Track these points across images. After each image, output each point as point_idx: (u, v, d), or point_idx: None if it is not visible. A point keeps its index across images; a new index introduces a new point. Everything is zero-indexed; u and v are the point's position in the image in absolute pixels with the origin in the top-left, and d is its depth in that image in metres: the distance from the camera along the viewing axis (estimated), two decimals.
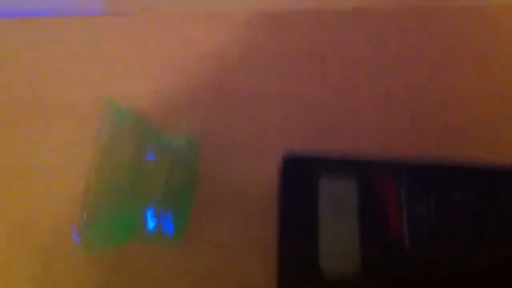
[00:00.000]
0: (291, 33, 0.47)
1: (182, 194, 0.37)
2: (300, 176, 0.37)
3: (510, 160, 0.39)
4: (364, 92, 0.44)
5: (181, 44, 0.47)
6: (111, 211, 0.36)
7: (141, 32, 0.47)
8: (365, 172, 0.37)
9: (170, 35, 0.47)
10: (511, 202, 0.36)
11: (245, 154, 0.42)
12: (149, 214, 0.36)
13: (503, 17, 0.46)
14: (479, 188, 0.36)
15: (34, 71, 0.46)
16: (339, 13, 0.47)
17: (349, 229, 0.35)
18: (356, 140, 0.42)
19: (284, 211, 0.37)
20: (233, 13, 0.47)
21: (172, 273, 0.38)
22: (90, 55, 0.46)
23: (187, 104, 0.44)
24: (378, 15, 0.47)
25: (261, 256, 0.38)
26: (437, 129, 0.42)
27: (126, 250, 0.39)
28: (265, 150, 0.42)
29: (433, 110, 0.43)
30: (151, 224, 0.36)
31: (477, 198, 0.36)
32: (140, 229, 0.36)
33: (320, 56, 0.46)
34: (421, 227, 0.35)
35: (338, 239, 0.35)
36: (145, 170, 0.37)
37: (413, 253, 0.34)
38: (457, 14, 0.46)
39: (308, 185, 0.37)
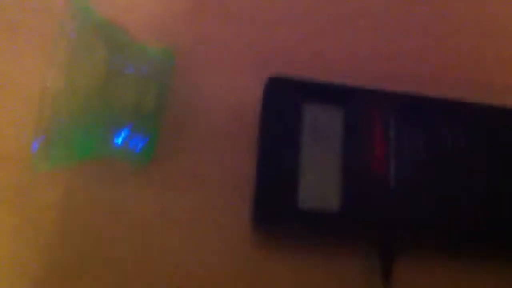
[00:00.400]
0: None
1: (153, 110, 0.34)
2: (284, 100, 0.34)
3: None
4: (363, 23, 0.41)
5: None
6: (74, 123, 0.33)
7: None
8: (352, 101, 0.35)
9: None
10: (499, 138, 0.35)
11: (229, 73, 0.38)
12: (116, 129, 0.33)
13: None
14: (468, 124, 0.35)
15: None
16: None
17: (331, 162, 0.34)
18: (348, 69, 0.39)
19: (264, 138, 0.35)
20: None
21: (138, 197, 0.35)
22: None
23: (164, 16, 0.40)
24: None
25: (241, 188, 0.35)
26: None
27: (88, 168, 0.35)
28: (251, 71, 0.38)
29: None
30: (118, 139, 0.33)
31: (465, 134, 0.35)
32: (106, 144, 0.33)
33: None
34: (407, 161, 0.34)
35: (319, 172, 0.33)
36: (114, 81, 0.34)
37: (397, 190, 0.33)
38: None
39: (291, 112, 0.34)
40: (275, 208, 0.32)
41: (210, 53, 0.39)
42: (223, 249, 0.34)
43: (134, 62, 0.35)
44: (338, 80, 0.35)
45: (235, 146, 0.37)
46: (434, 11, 0.42)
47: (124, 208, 0.35)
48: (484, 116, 0.35)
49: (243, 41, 0.40)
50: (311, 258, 0.34)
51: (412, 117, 0.35)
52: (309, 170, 0.33)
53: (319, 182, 0.33)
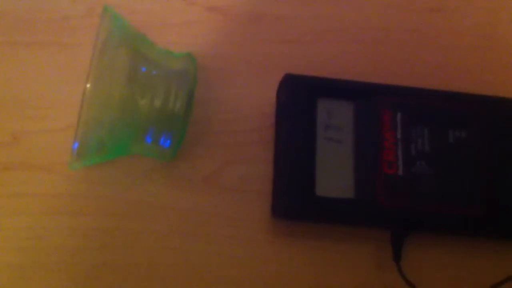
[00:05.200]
0: None
1: (178, 110, 0.37)
2: (298, 96, 0.37)
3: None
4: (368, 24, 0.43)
5: None
6: (106, 126, 0.36)
7: None
8: (364, 97, 0.37)
9: None
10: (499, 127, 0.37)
11: (246, 77, 0.41)
12: (144, 128, 0.36)
13: None
14: (470, 115, 0.37)
15: None
16: None
17: (345, 153, 0.36)
18: (358, 70, 0.42)
19: (280, 131, 0.37)
20: None
21: (163, 188, 0.38)
22: None
23: (185, 23, 0.43)
24: None
25: (259, 184, 0.38)
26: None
27: (119, 164, 0.38)
28: (268, 74, 0.41)
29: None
30: (147, 137, 0.36)
31: (467, 125, 0.37)
32: (137, 142, 0.36)
33: None
34: (413, 152, 0.36)
35: (334, 162, 0.36)
36: (141, 84, 0.36)
37: (406, 180, 0.35)
38: None
39: (305, 107, 0.37)
40: (294, 196, 0.35)
41: (228, 64, 0.42)
42: (246, 239, 0.37)
43: (159, 66, 0.37)
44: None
45: (253, 150, 0.39)
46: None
47: (149, 203, 0.38)
48: (484, 106, 0.37)
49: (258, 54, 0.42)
50: (328, 243, 0.37)
51: (419, 111, 0.37)
52: (324, 161, 0.35)
53: (334, 172, 0.35)
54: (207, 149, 0.39)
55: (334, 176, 0.35)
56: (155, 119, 0.36)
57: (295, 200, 0.35)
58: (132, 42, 0.37)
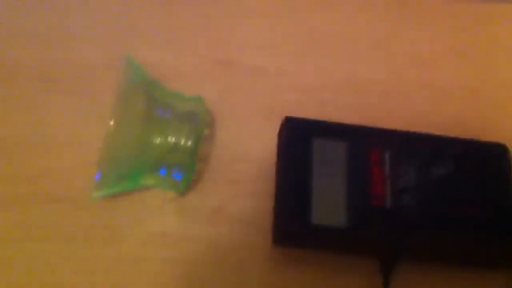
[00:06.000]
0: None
1: (189, 148, 0.41)
2: (297, 136, 0.41)
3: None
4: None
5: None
6: (123, 160, 0.40)
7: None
8: (355, 138, 0.41)
9: None
10: (485, 172, 0.41)
11: (249, 120, 0.46)
12: (158, 163, 0.40)
13: None
14: (451, 156, 0.41)
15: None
16: None
17: (338, 188, 0.40)
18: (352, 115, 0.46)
19: (281, 167, 0.41)
20: None
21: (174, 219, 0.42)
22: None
23: (194, 73, 0.48)
24: None
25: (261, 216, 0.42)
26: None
27: (135, 198, 0.43)
28: (269, 119, 0.45)
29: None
30: (162, 171, 0.40)
31: (450, 165, 0.41)
32: (151, 175, 0.40)
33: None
34: (401, 187, 0.40)
35: (328, 196, 0.40)
36: (155, 124, 0.41)
37: (393, 212, 0.39)
38: None
39: (303, 145, 0.41)
40: (291, 223, 0.38)
41: (233, 109, 0.47)
42: (250, 266, 0.41)
43: (172, 109, 0.42)
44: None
45: (253, 184, 0.44)
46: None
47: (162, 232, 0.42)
48: (464, 148, 0.42)
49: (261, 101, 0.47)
50: (323, 269, 0.41)
51: (404, 150, 0.41)
52: (319, 193, 0.39)
53: (328, 203, 0.39)
54: (215, 184, 0.43)
55: (328, 206, 0.39)
56: (168, 155, 0.41)
57: (292, 226, 0.39)
58: (149, 87, 0.42)
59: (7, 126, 0.45)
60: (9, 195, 0.42)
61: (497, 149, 0.42)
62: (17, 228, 0.41)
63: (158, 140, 0.41)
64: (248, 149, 0.45)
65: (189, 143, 0.41)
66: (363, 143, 0.41)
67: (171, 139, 0.41)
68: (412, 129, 0.43)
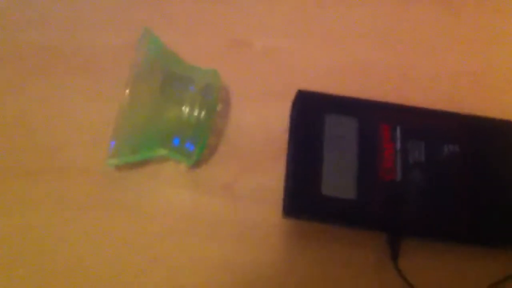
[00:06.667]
0: None
1: (202, 120, 0.42)
2: (309, 109, 0.42)
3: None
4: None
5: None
6: (138, 130, 0.41)
7: None
8: (366, 112, 0.42)
9: None
10: (494, 148, 0.42)
11: (262, 99, 0.47)
12: (172, 134, 0.41)
13: None
14: (461, 132, 0.42)
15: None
16: None
17: (349, 161, 0.41)
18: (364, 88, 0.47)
19: (293, 140, 0.42)
20: None
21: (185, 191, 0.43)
22: None
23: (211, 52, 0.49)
24: None
25: (271, 191, 0.43)
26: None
27: (150, 165, 0.43)
28: (282, 97, 0.46)
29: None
30: (175, 142, 0.41)
31: (463, 146, 0.41)
32: (165, 146, 0.41)
33: None
34: (410, 162, 0.40)
35: (338, 168, 0.40)
36: (170, 96, 0.42)
37: (402, 186, 0.39)
38: None
39: (315, 119, 0.42)
40: (302, 193, 0.39)
41: (247, 87, 0.47)
42: (259, 240, 0.42)
43: (187, 81, 0.43)
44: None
45: (264, 162, 0.44)
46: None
47: (173, 204, 0.43)
48: (474, 125, 0.42)
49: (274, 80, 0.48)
50: (331, 242, 0.41)
51: (415, 126, 0.42)
52: (330, 167, 0.40)
53: (339, 175, 0.40)
54: (227, 159, 0.44)
55: (338, 178, 0.40)
56: (182, 126, 0.41)
57: (303, 197, 0.39)
58: (165, 60, 0.42)
59: (32, 101, 0.46)
60: (31, 165, 0.44)
61: (507, 126, 0.42)
62: (37, 197, 0.42)
63: (172, 111, 0.41)
64: (260, 126, 0.46)
65: (202, 114, 0.41)
66: (374, 118, 0.42)
67: (185, 110, 0.41)
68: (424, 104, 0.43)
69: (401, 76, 0.48)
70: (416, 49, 0.50)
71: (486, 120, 0.43)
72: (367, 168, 0.40)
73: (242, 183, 0.43)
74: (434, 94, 0.47)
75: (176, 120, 0.41)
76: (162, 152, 0.41)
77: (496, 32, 0.51)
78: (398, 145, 0.41)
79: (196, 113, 0.41)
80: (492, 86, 0.48)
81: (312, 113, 0.42)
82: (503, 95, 0.47)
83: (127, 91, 0.40)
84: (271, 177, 0.43)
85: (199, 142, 0.42)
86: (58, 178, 0.43)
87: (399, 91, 0.47)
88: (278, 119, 0.45)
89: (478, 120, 0.42)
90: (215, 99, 0.43)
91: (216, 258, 0.41)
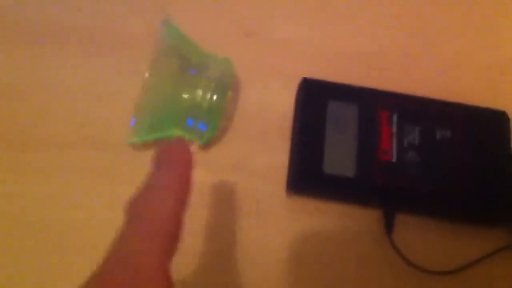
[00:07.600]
0: None
1: (214, 104, 0.45)
2: (313, 96, 0.45)
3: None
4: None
5: None
6: (156, 110, 0.45)
7: None
8: (366, 99, 0.46)
9: None
10: (485, 136, 0.45)
11: (270, 86, 0.50)
12: (187, 115, 0.45)
13: None
14: (452, 119, 0.46)
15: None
16: None
17: (349, 142, 0.44)
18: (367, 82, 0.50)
19: (297, 124, 0.45)
20: None
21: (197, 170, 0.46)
22: None
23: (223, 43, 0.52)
24: None
25: (277, 170, 0.46)
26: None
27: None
28: (289, 83, 0.49)
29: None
30: (189, 122, 0.44)
31: (455, 133, 0.45)
32: (180, 125, 0.45)
33: None
34: (405, 144, 0.44)
35: (339, 149, 0.44)
36: (185, 80, 0.45)
37: (397, 165, 0.43)
38: None
39: (319, 104, 0.45)
40: (305, 171, 0.43)
41: (257, 74, 0.51)
42: (266, 216, 0.45)
43: (202, 67, 0.46)
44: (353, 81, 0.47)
45: (270, 143, 0.48)
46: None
47: None
48: (464, 113, 0.46)
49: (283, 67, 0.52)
50: (331, 217, 0.45)
51: (410, 112, 0.45)
52: (331, 148, 0.43)
53: (339, 156, 0.43)
54: (236, 140, 0.48)
55: (339, 158, 0.43)
56: (195, 109, 0.45)
57: (306, 175, 0.43)
58: (183, 47, 0.46)
59: (61, 81, 0.50)
60: (59, 138, 0.47)
61: (498, 115, 0.46)
62: (66, 169, 0.46)
63: (187, 95, 0.45)
64: (267, 111, 0.49)
65: (214, 98, 0.45)
66: (373, 104, 0.45)
67: (199, 94, 0.45)
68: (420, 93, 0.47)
69: (405, 66, 0.52)
70: (423, 38, 0.53)
71: (475, 109, 0.46)
72: (366, 149, 0.44)
73: (251, 162, 0.47)
74: (433, 84, 0.50)
75: (190, 103, 0.45)
76: (177, 132, 0.45)
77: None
78: (395, 129, 0.44)
79: (208, 97, 0.45)
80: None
81: (316, 99, 0.45)
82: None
83: (147, 74, 0.43)
84: (279, 155, 0.47)
85: (211, 124, 0.45)
86: (83, 149, 0.47)
87: (401, 81, 0.50)
88: (284, 104, 0.49)
89: (467, 108, 0.46)
90: (227, 85, 0.47)
91: (227, 228, 0.44)
